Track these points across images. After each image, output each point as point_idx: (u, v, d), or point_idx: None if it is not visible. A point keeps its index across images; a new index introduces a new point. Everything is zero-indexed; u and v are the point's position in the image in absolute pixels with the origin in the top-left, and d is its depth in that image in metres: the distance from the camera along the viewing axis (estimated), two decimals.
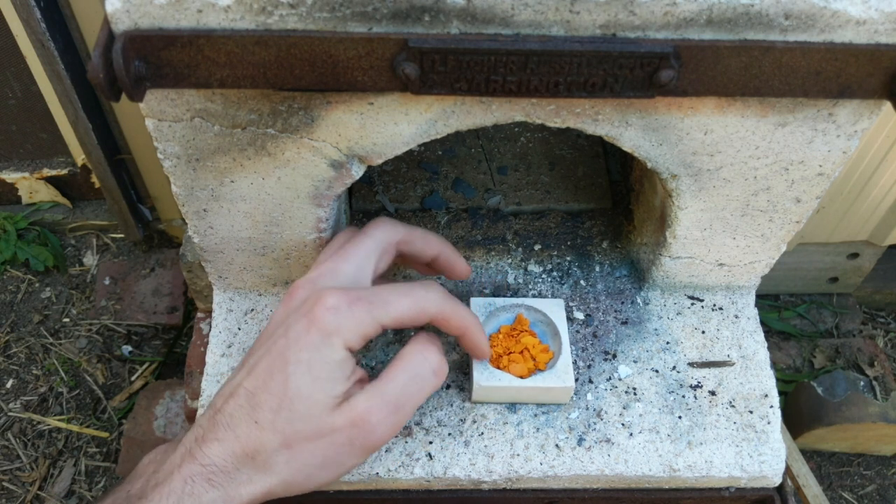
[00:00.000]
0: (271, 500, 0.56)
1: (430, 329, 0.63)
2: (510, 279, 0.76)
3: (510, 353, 0.67)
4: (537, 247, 0.78)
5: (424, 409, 0.67)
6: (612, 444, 0.66)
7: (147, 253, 1.43)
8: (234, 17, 0.46)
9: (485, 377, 0.65)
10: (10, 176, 1.38)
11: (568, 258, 0.78)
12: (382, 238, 0.61)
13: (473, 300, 0.69)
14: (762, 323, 0.74)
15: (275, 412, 0.53)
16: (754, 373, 0.70)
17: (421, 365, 0.57)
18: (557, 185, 0.83)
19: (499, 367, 0.66)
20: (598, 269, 0.77)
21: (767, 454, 0.66)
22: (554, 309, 0.69)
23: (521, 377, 0.65)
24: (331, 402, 0.54)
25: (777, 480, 0.67)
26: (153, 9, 0.45)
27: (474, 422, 0.67)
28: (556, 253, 0.78)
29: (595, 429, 0.66)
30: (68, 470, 1.23)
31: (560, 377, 0.65)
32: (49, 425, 1.27)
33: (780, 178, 0.61)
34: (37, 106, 1.26)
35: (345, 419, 0.54)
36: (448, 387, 0.68)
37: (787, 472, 0.74)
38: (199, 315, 0.97)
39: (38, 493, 1.21)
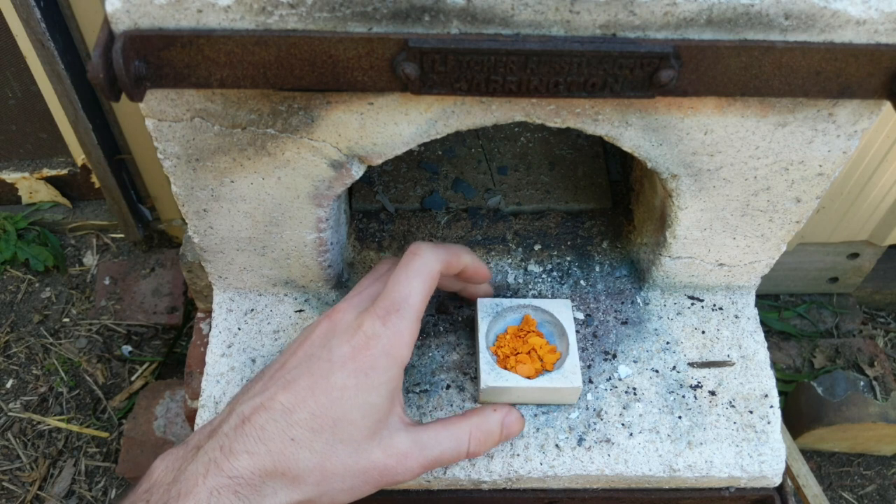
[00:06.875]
0: None
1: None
2: (510, 279, 0.76)
3: (517, 353, 0.67)
4: (537, 247, 0.78)
5: (425, 409, 0.67)
6: (612, 444, 0.66)
7: (147, 253, 1.43)
8: (234, 17, 0.46)
9: (492, 378, 0.65)
10: (10, 176, 1.38)
11: (568, 258, 0.78)
12: (425, 269, 0.60)
13: (480, 301, 0.69)
14: (762, 323, 0.74)
15: (314, 432, 0.54)
16: (754, 373, 0.70)
17: (462, 442, 0.60)
18: (557, 185, 0.83)
19: (506, 368, 0.66)
20: (598, 269, 0.77)
21: (767, 454, 0.66)
22: (561, 309, 0.69)
23: (529, 378, 0.65)
24: (373, 427, 0.56)
25: (777, 480, 0.67)
26: (153, 9, 0.45)
27: None
28: (556, 253, 0.78)
29: (595, 429, 0.66)
30: (68, 470, 1.23)
31: (568, 378, 0.65)
32: (49, 425, 1.27)
33: (780, 178, 0.61)
34: (37, 106, 1.27)
35: (383, 454, 0.56)
36: (448, 387, 0.68)
37: (787, 472, 0.74)
38: (199, 315, 0.97)
39: (38, 493, 1.21)
